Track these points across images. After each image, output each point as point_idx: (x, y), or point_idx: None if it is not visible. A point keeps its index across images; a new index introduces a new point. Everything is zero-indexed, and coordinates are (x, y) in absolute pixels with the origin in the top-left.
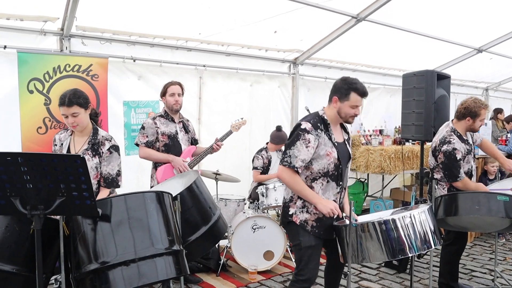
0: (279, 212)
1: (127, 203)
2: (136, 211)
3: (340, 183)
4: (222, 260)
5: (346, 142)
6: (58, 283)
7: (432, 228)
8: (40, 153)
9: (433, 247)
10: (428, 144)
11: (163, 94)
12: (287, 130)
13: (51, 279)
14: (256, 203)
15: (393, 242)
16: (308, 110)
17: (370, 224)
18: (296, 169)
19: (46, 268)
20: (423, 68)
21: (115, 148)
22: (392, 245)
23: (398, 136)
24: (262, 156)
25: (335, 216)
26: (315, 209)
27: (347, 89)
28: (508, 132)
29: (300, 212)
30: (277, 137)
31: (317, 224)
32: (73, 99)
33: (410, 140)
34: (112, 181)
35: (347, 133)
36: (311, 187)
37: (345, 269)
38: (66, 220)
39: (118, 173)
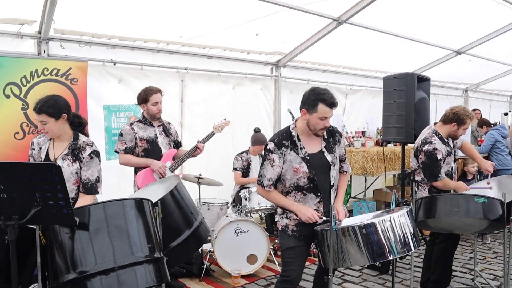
0: (263, 215)
1: (105, 211)
2: (115, 219)
3: (319, 194)
4: (205, 265)
5: (325, 149)
6: None
7: (412, 231)
8: (14, 162)
9: (412, 250)
10: (410, 145)
11: (144, 101)
12: (269, 133)
13: None
14: (239, 207)
15: (374, 245)
16: (290, 112)
17: (350, 228)
18: (264, 187)
19: (22, 279)
20: (404, 70)
21: (96, 153)
22: (373, 249)
23: (380, 137)
24: (241, 158)
25: (317, 222)
26: (294, 215)
27: (314, 100)
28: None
29: (281, 219)
30: (253, 137)
31: (297, 228)
32: (42, 107)
33: (390, 142)
34: (91, 187)
35: (330, 137)
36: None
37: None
38: (43, 229)
39: (98, 179)
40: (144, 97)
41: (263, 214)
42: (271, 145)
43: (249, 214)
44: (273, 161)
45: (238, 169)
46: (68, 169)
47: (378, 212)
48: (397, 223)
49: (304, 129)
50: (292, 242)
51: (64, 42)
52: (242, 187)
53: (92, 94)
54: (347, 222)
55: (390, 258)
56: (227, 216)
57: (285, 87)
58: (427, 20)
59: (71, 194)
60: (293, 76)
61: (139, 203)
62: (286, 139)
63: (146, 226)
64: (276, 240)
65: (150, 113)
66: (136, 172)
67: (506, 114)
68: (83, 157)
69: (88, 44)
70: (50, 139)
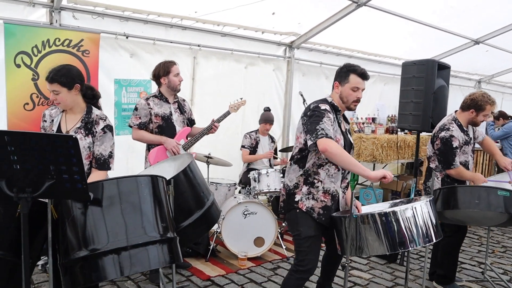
0: (271, 198)
1: (119, 187)
2: (128, 196)
3: (343, 172)
4: (211, 245)
5: (348, 132)
6: (45, 268)
7: (434, 221)
8: (29, 132)
9: (434, 240)
10: (423, 134)
11: (166, 73)
12: (279, 114)
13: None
14: (247, 188)
15: (394, 234)
16: (302, 95)
17: (370, 216)
18: (333, 138)
19: (32, 253)
20: (418, 57)
21: (109, 128)
22: (393, 238)
23: (391, 125)
24: (250, 136)
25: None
26: (322, 196)
27: (346, 71)
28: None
29: (306, 199)
30: (262, 115)
31: (323, 212)
32: (55, 76)
33: (404, 130)
34: (104, 163)
35: (348, 123)
36: (317, 173)
37: (343, 260)
38: (55, 203)
39: (110, 155)
40: (165, 69)
41: (271, 196)
42: (326, 106)
43: (257, 196)
44: (330, 121)
45: (246, 146)
46: (81, 143)
47: (396, 201)
48: (418, 212)
49: (339, 105)
50: (313, 231)
51: (77, 13)
52: (251, 168)
53: (103, 67)
54: (366, 210)
55: (411, 248)
56: (235, 197)
57: (297, 69)
58: (447, 7)
59: None
60: (306, 58)
61: (153, 180)
62: (331, 107)
63: (160, 204)
64: (283, 224)
65: (172, 85)
66: (148, 149)
67: None
68: (96, 131)
69: (101, 16)
70: (63, 111)
